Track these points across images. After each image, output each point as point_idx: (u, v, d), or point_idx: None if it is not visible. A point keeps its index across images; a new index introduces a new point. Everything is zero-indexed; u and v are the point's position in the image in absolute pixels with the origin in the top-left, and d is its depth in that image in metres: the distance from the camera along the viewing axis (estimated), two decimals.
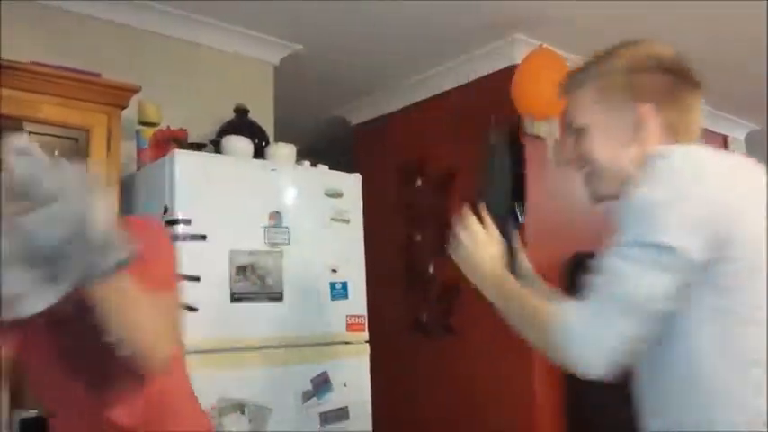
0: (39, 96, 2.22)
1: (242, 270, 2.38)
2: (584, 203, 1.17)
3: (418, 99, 3.76)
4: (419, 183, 3.67)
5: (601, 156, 1.17)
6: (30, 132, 2.32)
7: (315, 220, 2.61)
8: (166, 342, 1.14)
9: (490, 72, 3.41)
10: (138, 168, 2.57)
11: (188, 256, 2.26)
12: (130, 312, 1.07)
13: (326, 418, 2.46)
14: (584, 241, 3.26)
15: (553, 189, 3.33)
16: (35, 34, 2.56)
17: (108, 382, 1.27)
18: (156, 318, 1.12)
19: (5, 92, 2.15)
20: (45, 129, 2.33)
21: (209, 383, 2.20)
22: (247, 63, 3.21)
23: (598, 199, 1.22)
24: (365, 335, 2.67)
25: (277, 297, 2.44)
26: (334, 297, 2.59)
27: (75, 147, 2.35)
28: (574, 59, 2.32)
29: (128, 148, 2.57)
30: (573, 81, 1.22)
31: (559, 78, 1.30)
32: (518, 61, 3.09)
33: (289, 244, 2.51)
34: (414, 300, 3.61)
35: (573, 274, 3.18)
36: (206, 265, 2.30)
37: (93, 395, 1.27)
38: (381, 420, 2.69)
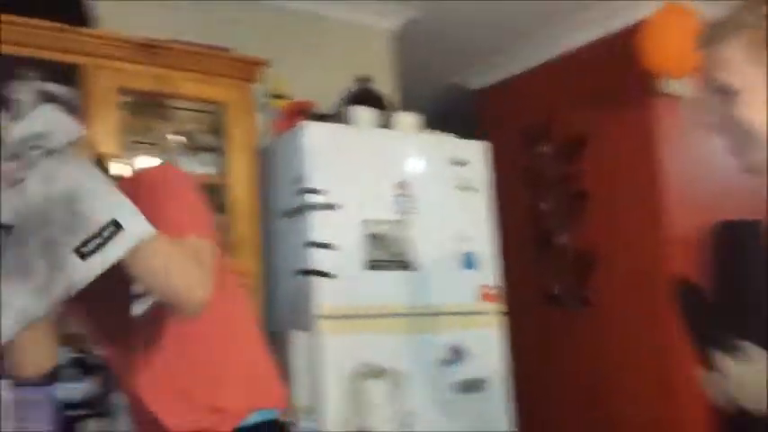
0: (178, 73, 2.30)
1: (374, 238, 2.40)
2: (728, 168, 1.05)
3: (541, 60, 3.62)
4: (545, 148, 3.54)
5: (756, 121, 1.02)
6: (173, 108, 2.44)
7: (441, 188, 2.59)
8: (199, 285, 1.12)
9: (619, 29, 3.22)
10: (273, 140, 2.63)
11: (322, 225, 2.31)
12: (155, 259, 1.06)
13: (461, 387, 2.45)
14: (730, 208, 3.04)
15: (693, 153, 3.12)
16: (171, 12, 2.64)
17: (131, 340, 1.29)
18: (183, 262, 1.11)
19: (149, 69, 2.24)
20: (185, 104, 2.44)
21: (347, 348, 2.26)
22: (367, 31, 3.19)
23: (752, 171, 1.06)
24: (499, 306, 2.63)
25: (408, 265, 2.44)
26: (464, 267, 2.56)
27: (215, 120, 2.43)
28: (708, 14, 2.13)
29: (259, 121, 2.63)
30: (716, 32, 1.06)
31: (693, 33, 1.13)
32: (648, 16, 2.88)
33: (416, 213, 2.50)
34: (544, 270, 3.51)
35: (720, 244, 2.96)
36: (340, 233, 2.33)
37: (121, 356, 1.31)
38: (516, 393, 2.64)
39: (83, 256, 0.98)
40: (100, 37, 2.17)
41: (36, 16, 2.02)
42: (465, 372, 2.46)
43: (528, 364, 3.20)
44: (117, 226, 0.99)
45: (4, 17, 1.97)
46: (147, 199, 1.16)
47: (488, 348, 2.55)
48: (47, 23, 2.04)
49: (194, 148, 2.43)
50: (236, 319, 1.37)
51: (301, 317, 2.31)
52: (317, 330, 2.24)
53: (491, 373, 2.53)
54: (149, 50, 2.23)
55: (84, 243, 0.98)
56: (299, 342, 2.26)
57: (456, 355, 2.45)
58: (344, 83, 2.87)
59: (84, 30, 2.14)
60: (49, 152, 1.00)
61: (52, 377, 2.04)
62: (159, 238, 1.06)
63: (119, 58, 2.17)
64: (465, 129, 2.92)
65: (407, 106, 2.90)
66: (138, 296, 1.25)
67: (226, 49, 2.42)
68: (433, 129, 2.72)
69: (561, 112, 3.46)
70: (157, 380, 1.29)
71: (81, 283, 1.00)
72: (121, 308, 1.27)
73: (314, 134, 2.38)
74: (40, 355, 1.25)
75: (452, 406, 2.41)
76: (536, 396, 3.34)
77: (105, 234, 0.98)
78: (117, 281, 1.20)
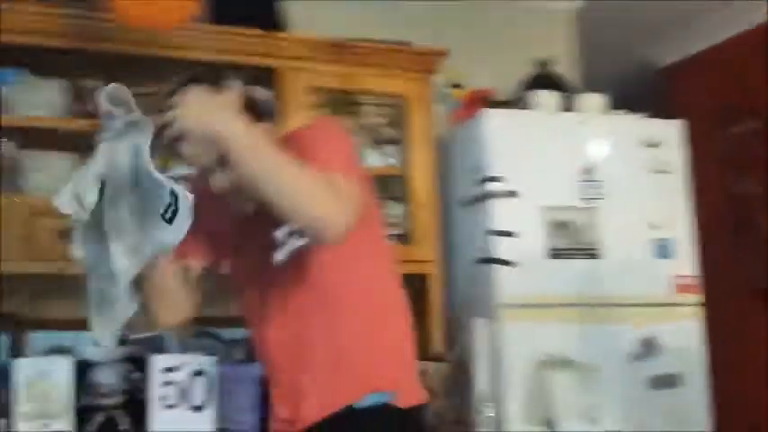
0: (363, 69, 2.39)
1: (557, 226, 2.34)
2: None
3: (743, 28, 3.27)
4: (750, 125, 3.20)
5: None
6: (359, 104, 2.55)
7: (631, 172, 2.46)
8: (340, 212, 1.13)
9: None
10: (451, 130, 2.65)
11: (502, 213, 2.30)
12: (298, 183, 1.11)
13: (655, 382, 2.32)
14: None
15: None
16: (348, 9, 2.71)
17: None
18: (325, 188, 1.13)
19: (336, 68, 2.36)
20: (369, 99, 2.54)
21: (530, 338, 2.23)
22: (546, 13, 3.10)
23: None
24: (698, 297, 2.45)
25: (595, 254, 2.35)
26: (657, 255, 2.41)
27: (397, 113, 2.51)
28: None
29: (438, 111, 2.66)
30: None
31: None
32: None
33: (603, 198, 2.40)
34: (748, 260, 3.18)
35: None
36: (521, 221, 2.30)
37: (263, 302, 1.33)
38: (716, 392, 2.44)
39: (169, 221, 1.11)
40: (294, 40, 2.31)
41: (238, 24, 2.19)
42: (658, 366, 2.33)
43: (726, 359, 2.94)
44: (173, 195, 1.11)
45: (211, 27, 2.18)
46: (301, 147, 1.22)
47: (684, 342, 2.38)
48: (249, 31, 2.20)
49: (378, 141, 2.53)
50: (376, 284, 1.33)
51: (482, 305, 2.32)
52: (498, 319, 2.24)
53: (687, 368, 2.37)
54: (337, 50, 2.34)
55: (166, 209, 1.11)
56: (479, 330, 2.26)
57: (648, 348, 2.32)
58: (524, 68, 2.82)
59: (281, 34, 2.30)
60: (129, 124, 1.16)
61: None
62: (304, 167, 1.14)
63: (310, 59, 2.30)
64: (654, 108, 2.74)
65: (591, 87, 2.78)
66: (281, 243, 1.29)
67: (407, 43, 2.47)
68: (619, 109, 2.59)
69: None
70: (285, 338, 1.30)
71: (172, 243, 1.14)
72: (263, 254, 1.31)
73: (494, 122, 2.37)
74: (173, 306, 1.35)
75: (644, 401, 2.29)
76: (735, 393, 3.05)
77: (173, 201, 1.11)
78: (261, 225, 1.29)
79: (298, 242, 1.27)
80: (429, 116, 2.47)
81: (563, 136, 2.43)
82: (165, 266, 1.31)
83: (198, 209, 1.42)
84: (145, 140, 1.16)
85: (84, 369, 1.97)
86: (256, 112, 1.28)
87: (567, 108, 2.57)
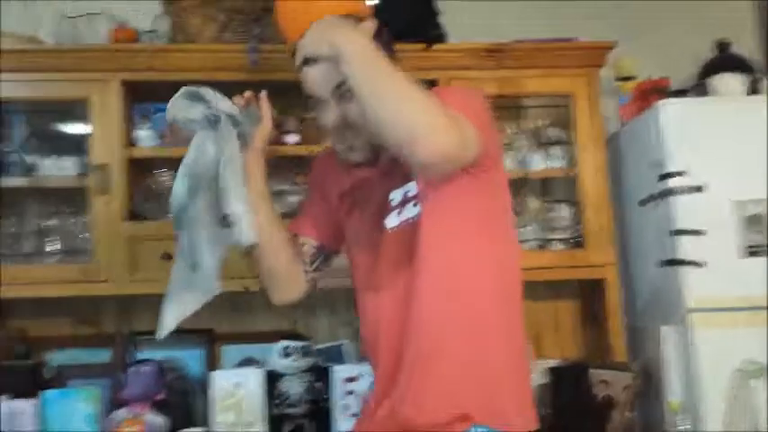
0: (524, 71, 2.33)
1: (750, 221, 2.14)
2: None
3: None
4: None
5: None
6: (520, 107, 2.49)
7: None
8: (444, 130, 1.00)
9: None
10: (621, 125, 2.52)
11: (687, 210, 2.14)
12: (402, 94, 1.02)
13: None
14: None
15: None
16: (506, 8, 2.68)
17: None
18: (432, 103, 1.02)
19: (495, 73, 2.32)
20: (531, 100, 2.48)
21: (725, 344, 2.05)
22: None
23: None
24: None
25: None
26: None
27: (561, 113, 2.43)
28: None
29: (606, 107, 2.53)
30: None
31: None
32: None
33: None
34: None
35: None
36: (708, 217, 2.13)
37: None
38: None
39: (227, 225, 1.22)
40: (456, 50, 2.31)
41: (399, 40, 2.22)
42: None
43: None
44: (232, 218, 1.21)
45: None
46: None
47: None
48: (412, 46, 2.19)
49: (543, 143, 2.46)
50: (490, 283, 1.18)
51: (668, 310, 2.17)
52: (687, 325, 2.08)
53: None
54: (496, 54, 2.31)
55: (225, 217, 1.22)
56: (668, 338, 2.12)
57: None
58: (699, 53, 2.60)
59: (440, 46, 2.30)
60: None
61: None
62: (401, 75, 1.06)
63: (471, 68, 2.29)
64: None
65: None
66: (395, 208, 1.22)
67: (571, 39, 2.38)
68: None
69: None
70: (389, 313, 1.20)
71: (230, 244, 1.23)
72: (377, 218, 1.24)
73: (672, 112, 2.21)
74: (285, 283, 1.35)
75: None
76: None
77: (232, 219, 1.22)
78: (376, 186, 1.26)
79: (411, 212, 1.20)
80: (597, 113, 2.36)
81: (752, 122, 2.21)
82: (276, 245, 1.31)
83: (314, 184, 1.44)
84: (230, 144, 1.23)
85: (272, 380, 2.08)
86: (390, 50, 1.23)
87: (755, 91, 2.35)
